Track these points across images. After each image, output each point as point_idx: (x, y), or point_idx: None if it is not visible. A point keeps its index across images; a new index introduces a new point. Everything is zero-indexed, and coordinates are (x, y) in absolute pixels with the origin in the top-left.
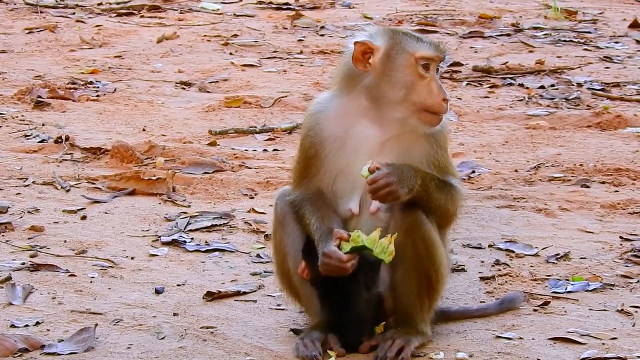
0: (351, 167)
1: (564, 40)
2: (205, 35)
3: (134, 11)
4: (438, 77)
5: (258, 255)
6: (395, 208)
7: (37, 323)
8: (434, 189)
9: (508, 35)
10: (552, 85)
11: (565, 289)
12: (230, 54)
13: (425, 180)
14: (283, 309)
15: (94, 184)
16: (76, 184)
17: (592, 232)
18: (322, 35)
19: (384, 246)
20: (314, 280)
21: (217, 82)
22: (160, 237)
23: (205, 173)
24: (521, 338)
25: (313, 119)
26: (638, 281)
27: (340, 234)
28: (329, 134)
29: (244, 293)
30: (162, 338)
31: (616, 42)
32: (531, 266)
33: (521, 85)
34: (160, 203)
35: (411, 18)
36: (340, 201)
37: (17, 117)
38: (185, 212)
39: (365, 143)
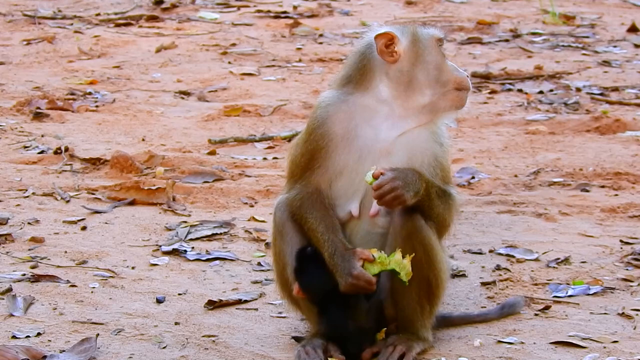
0: (356, 167)
1: (563, 45)
2: (203, 45)
3: (132, 21)
4: None
5: (259, 264)
6: (395, 213)
7: (39, 334)
8: (434, 195)
9: (506, 41)
10: (551, 90)
11: (566, 293)
12: (229, 63)
13: (428, 185)
14: (284, 317)
15: (93, 194)
16: (76, 195)
17: (592, 236)
18: (321, 43)
19: (407, 268)
20: (312, 297)
21: (216, 91)
22: (160, 246)
23: (205, 182)
24: (522, 343)
25: (323, 112)
26: (639, 284)
27: (365, 255)
28: (338, 129)
29: (245, 301)
30: (164, 347)
31: (614, 47)
32: (532, 271)
33: (520, 90)
34: (160, 212)
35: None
36: (340, 202)
37: (16, 128)
38: (186, 221)
39: (373, 143)
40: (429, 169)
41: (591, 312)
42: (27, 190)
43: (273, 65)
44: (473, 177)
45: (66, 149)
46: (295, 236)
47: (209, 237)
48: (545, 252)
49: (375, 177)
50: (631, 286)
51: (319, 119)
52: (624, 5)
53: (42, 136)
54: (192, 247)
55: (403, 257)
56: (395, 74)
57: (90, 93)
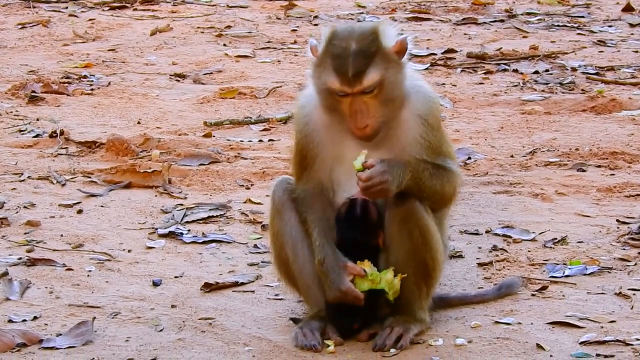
0: (345, 155)
1: (558, 25)
2: (198, 27)
3: (127, 4)
4: (361, 100)
5: (255, 246)
6: (389, 197)
7: (35, 318)
8: (427, 178)
9: (502, 21)
10: (547, 70)
11: (563, 273)
12: (224, 45)
13: (416, 173)
14: (281, 299)
15: (89, 177)
16: (72, 178)
17: (588, 216)
18: (316, 24)
19: (396, 287)
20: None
21: (212, 73)
22: (157, 229)
23: (201, 165)
24: (520, 323)
25: (303, 110)
26: (635, 264)
27: (356, 271)
28: (321, 123)
29: (242, 284)
30: (161, 330)
31: (610, 26)
32: (529, 251)
33: (515, 70)
34: (156, 195)
35: (404, 6)
36: (338, 190)
37: (11, 112)
38: (182, 204)
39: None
40: (415, 151)
41: (588, 292)
42: (22, 174)
43: (268, 47)
44: (469, 158)
45: (61, 133)
46: (294, 216)
47: (205, 220)
48: (541, 233)
49: (366, 167)
50: (628, 266)
51: (299, 117)
52: None
53: (38, 120)
54: (189, 230)
55: (395, 274)
56: None
57: (85, 76)
